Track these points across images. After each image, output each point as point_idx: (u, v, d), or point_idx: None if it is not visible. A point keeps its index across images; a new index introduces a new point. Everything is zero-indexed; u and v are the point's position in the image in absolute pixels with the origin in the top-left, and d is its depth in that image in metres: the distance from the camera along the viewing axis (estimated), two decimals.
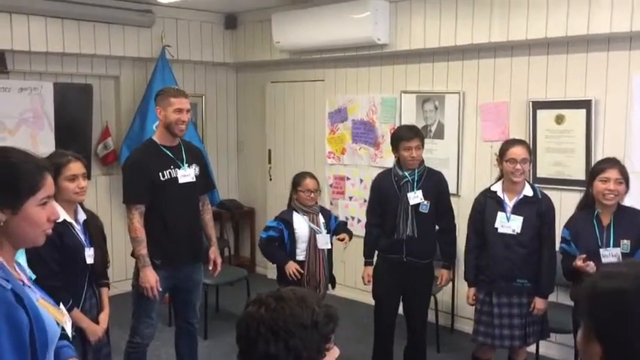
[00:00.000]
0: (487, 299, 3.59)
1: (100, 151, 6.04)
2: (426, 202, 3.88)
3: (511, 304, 3.54)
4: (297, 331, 1.35)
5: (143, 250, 3.49)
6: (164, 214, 3.55)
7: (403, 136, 3.87)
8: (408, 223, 3.84)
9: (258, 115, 6.80)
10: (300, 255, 3.95)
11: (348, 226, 5.73)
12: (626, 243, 3.17)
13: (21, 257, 2.19)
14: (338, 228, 4.15)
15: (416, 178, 3.88)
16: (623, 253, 3.18)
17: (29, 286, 1.67)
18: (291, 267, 3.89)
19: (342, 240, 4.04)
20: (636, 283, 1.20)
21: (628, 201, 3.89)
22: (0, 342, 1.45)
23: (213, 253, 3.84)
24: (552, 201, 3.66)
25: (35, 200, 1.60)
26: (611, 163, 3.27)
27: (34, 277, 2.23)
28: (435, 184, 3.95)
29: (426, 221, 3.91)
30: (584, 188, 3.48)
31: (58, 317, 1.70)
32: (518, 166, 3.47)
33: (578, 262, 3.18)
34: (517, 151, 3.49)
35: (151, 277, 3.48)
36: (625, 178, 3.22)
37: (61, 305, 1.87)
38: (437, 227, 4.02)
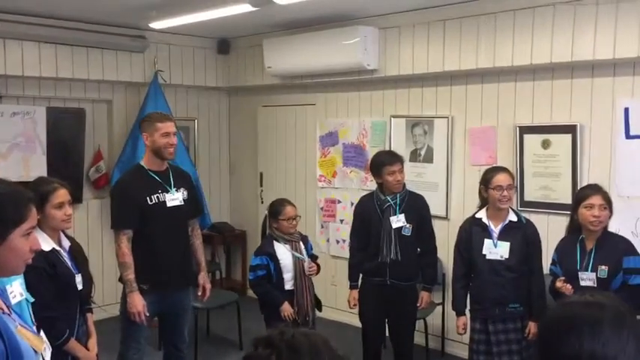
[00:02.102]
0: (483, 328, 3.61)
1: (92, 175, 6.06)
2: (408, 226, 3.93)
3: (507, 330, 3.56)
4: None
5: (130, 276, 3.50)
6: (152, 239, 3.57)
7: (385, 161, 3.93)
8: (391, 247, 3.89)
9: (250, 139, 6.85)
10: (288, 284, 3.88)
11: (339, 249, 5.85)
12: (603, 269, 3.22)
13: (15, 281, 2.20)
14: (311, 257, 4.09)
15: (398, 202, 3.93)
16: (600, 279, 3.22)
17: (9, 314, 1.69)
18: (287, 310, 3.81)
19: (313, 270, 3.98)
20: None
21: (615, 224, 3.97)
22: None
23: (203, 278, 3.85)
24: (537, 225, 3.71)
25: (20, 231, 1.62)
26: (595, 189, 3.32)
27: (32, 300, 2.25)
28: (416, 207, 4.00)
29: (409, 244, 3.96)
30: (570, 212, 3.52)
31: (36, 345, 1.72)
32: (505, 193, 3.53)
33: (558, 284, 3.28)
34: (502, 178, 3.55)
35: (138, 303, 3.48)
36: (608, 203, 3.27)
37: (42, 333, 1.89)
38: (419, 250, 4.06)
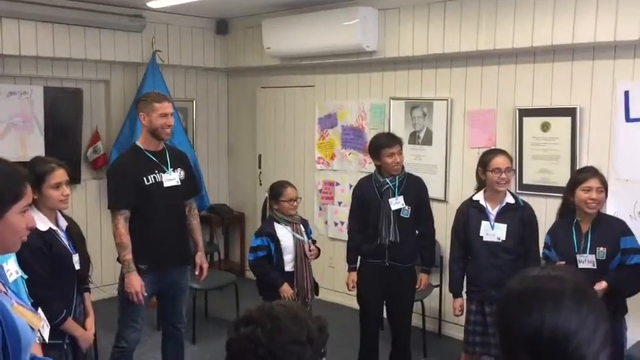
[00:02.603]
0: (479, 309, 3.63)
1: (90, 155, 6.05)
2: (407, 208, 3.93)
3: None
4: (295, 349, 1.33)
5: (128, 256, 3.50)
6: (149, 219, 3.57)
7: (384, 143, 3.91)
8: (390, 229, 3.89)
9: (249, 120, 6.83)
10: (288, 266, 3.88)
11: (337, 231, 5.86)
12: (602, 250, 3.22)
13: (10, 259, 2.21)
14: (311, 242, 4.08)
15: (397, 184, 3.93)
16: (599, 260, 3.22)
17: (5, 292, 1.70)
18: (287, 292, 3.81)
19: (313, 254, 4.00)
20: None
21: (613, 207, 3.97)
22: None
23: (200, 258, 3.85)
24: (535, 208, 3.72)
25: (17, 208, 1.64)
26: (592, 172, 3.32)
27: (26, 276, 2.26)
28: (415, 189, 4.00)
29: (408, 226, 3.96)
30: (564, 195, 3.51)
31: (33, 322, 1.74)
32: (504, 175, 3.53)
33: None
34: (501, 161, 3.55)
35: (136, 283, 3.49)
36: (605, 186, 3.28)
37: (39, 310, 1.90)
38: (417, 232, 4.07)
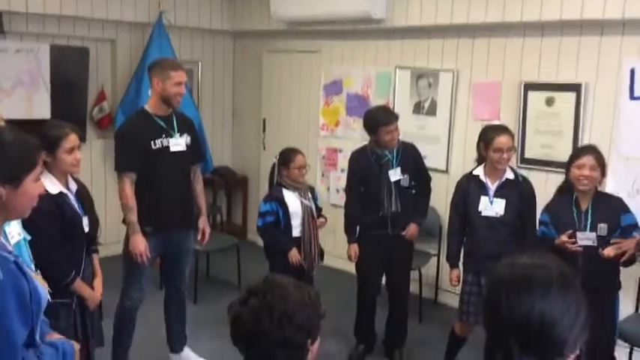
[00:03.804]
0: (475, 280, 3.69)
1: (95, 115, 6.08)
2: (406, 177, 4.00)
3: None
4: (303, 309, 1.48)
5: (133, 218, 3.57)
6: (155, 182, 3.62)
7: (382, 120, 3.92)
8: (392, 200, 3.95)
9: (254, 84, 6.83)
10: (295, 231, 3.91)
11: (339, 198, 5.91)
12: (603, 227, 3.25)
13: (12, 223, 2.25)
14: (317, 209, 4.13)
15: (394, 156, 3.99)
16: (600, 237, 3.26)
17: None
18: (295, 256, 3.86)
19: (322, 225, 4.08)
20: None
21: (612, 184, 4.01)
22: (9, 309, 1.60)
23: (202, 222, 3.93)
24: (535, 183, 3.76)
25: (33, 176, 1.72)
26: (588, 150, 3.34)
27: (29, 237, 2.33)
28: (410, 156, 4.07)
29: (408, 194, 4.05)
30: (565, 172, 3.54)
31: (44, 284, 1.82)
32: (505, 155, 3.55)
33: (563, 238, 3.25)
34: (504, 141, 3.55)
35: (140, 244, 3.57)
36: (600, 164, 3.27)
37: (38, 272, 2.00)
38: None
